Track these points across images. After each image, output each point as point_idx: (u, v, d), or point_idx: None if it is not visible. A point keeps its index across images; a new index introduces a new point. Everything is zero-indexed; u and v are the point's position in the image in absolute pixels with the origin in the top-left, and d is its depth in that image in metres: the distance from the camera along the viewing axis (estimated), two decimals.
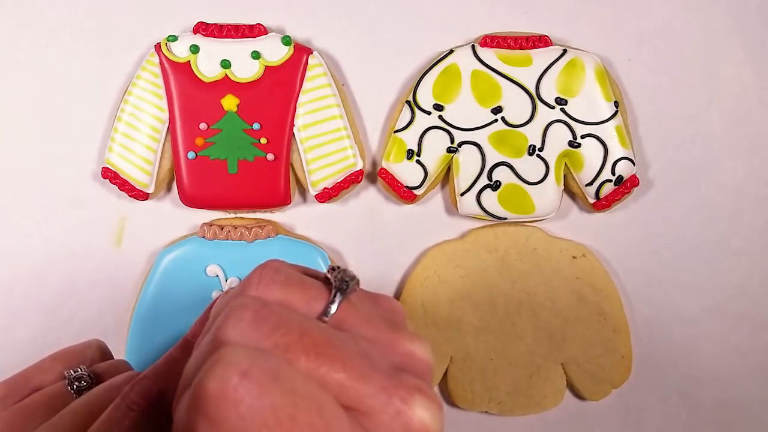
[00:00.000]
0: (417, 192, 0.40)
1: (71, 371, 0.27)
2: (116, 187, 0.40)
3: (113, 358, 0.31)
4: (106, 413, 0.22)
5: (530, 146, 0.40)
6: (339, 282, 0.20)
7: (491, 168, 0.40)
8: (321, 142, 0.40)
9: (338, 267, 0.21)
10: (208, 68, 0.39)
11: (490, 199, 0.40)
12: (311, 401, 0.17)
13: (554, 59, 0.40)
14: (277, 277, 0.20)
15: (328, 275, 0.21)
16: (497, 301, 0.40)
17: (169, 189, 0.42)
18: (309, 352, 0.18)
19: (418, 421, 0.18)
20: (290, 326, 0.18)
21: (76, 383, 0.27)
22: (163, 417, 0.22)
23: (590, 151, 0.39)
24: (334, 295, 0.20)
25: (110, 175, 0.39)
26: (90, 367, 0.28)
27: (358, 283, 0.21)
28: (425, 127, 0.40)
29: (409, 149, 0.40)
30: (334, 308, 0.20)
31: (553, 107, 0.40)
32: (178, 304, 0.39)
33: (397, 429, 0.18)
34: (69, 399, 0.26)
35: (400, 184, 0.40)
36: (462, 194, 0.40)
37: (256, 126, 0.39)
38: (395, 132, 0.40)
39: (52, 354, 0.29)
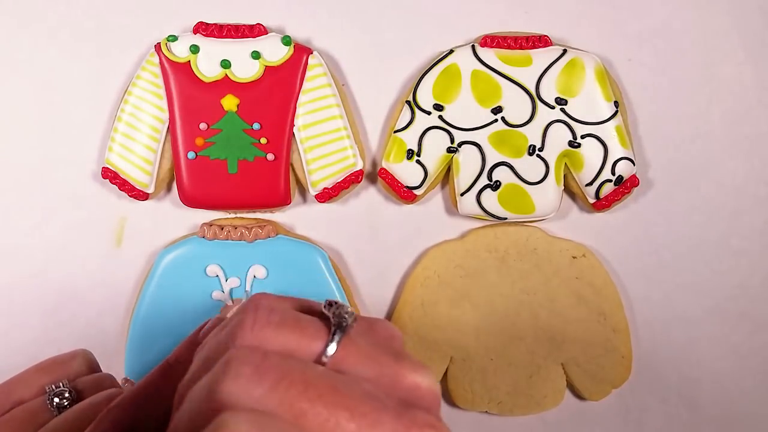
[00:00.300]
0: (417, 192, 0.40)
1: (52, 386, 0.27)
2: (116, 187, 0.40)
3: (99, 368, 0.31)
4: None
5: (530, 146, 0.40)
6: (337, 318, 0.20)
7: (491, 168, 0.40)
8: (321, 142, 0.40)
9: (335, 302, 0.20)
10: (208, 68, 0.39)
11: (490, 199, 0.40)
12: None
13: (554, 59, 0.40)
14: (271, 318, 0.19)
15: (325, 311, 0.20)
16: (497, 301, 0.40)
17: (169, 189, 0.42)
18: (315, 404, 0.17)
19: None
20: (293, 378, 0.17)
21: (56, 399, 0.27)
22: None
23: (590, 151, 0.39)
24: (333, 333, 0.19)
25: (110, 175, 0.39)
26: (73, 380, 0.28)
27: (355, 319, 0.20)
28: (425, 127, 0.40)
29: (409, 149, 0.40)
30: (333, 347, 0.19)
31: (553, 107, 0.40)
32: (178, 304, 0.39)
33: None
34: (49, 415, 0.26)
35: (400, 184, 0.40)
36: (462, 194, 0.40)
37: (256, 126, 0.39)
38: (395, 132, 0.40)
39: (37, 364, 0.29)
